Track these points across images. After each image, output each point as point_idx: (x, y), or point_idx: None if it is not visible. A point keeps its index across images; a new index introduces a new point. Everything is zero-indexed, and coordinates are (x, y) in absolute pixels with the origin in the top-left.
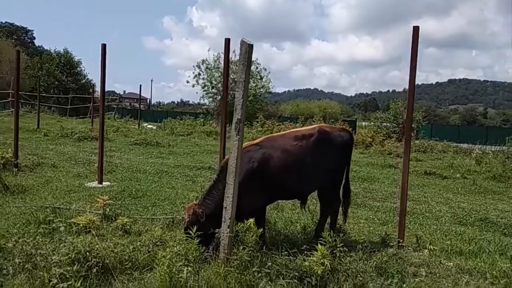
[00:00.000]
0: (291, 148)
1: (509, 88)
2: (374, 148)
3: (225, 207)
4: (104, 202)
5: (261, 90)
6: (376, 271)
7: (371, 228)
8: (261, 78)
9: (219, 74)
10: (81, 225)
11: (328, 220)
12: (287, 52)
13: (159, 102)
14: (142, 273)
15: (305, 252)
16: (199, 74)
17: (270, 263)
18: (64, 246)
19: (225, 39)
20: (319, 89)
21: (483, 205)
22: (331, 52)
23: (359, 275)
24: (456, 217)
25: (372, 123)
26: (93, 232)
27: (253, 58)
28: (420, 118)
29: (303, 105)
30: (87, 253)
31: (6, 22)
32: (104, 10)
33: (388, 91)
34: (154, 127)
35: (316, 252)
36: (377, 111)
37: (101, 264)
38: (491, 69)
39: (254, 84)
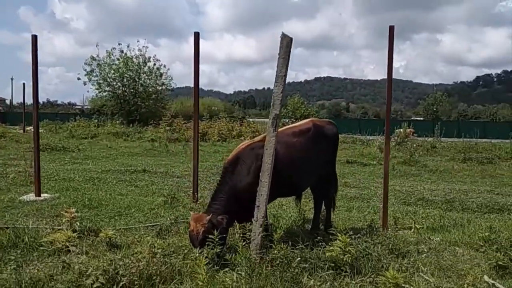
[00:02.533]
0: (293, 144)
1: (364, 85)
2: None
3: (258, 206)
4: (72, 215)
5: (162, 87)
6: (390, 253)
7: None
8: (161, 75)
9: (114, 71)
10: (59, 244)
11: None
12: (163, 49)
13: (20, 103)
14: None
15: (320, 244)
16: (92, 71)
17: (299, 258)
18: (73, 267)
19: (194, 32)
20: (199, 87)
21: (413, 186)
22: (209, 50)
23: (381, 259)
24: (399, 199)
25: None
26: (77, 250)
27: (150, 55)
28: (315, 113)
29: (188, 103)
30: (116, 273)
31: None
32: None
33: (264, 88)
34: (41, 130)
35: (336, 242)
36: (256, 107)
37: (135, 284)
38: (349, 68)
39: (152, 81)
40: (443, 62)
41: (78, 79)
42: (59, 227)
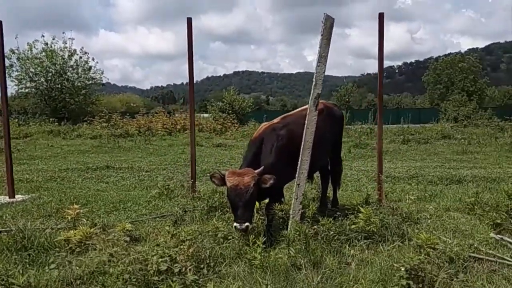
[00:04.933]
0: None
1: (281, 78)
2: (231, 133)
3: (298, 184)
4: (76, 212)
5: (92, 82)
6: (404, 221)
7: None
8: (90, 69)
9: (37, 66)
10: (75, 241)
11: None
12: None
13: None
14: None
15: (340, 219)
16: (11, 65)
17: (333, 232)
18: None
19: (187, 18)
20: (112, 83)
21: (375, 166)
22: (122, 43)
23: (399, 226)
24: (370, 177)
25: (211, 114)
26: (99, 246)
27: (76, 47)
28: (251, 104)
29: (104, 99)
30: (175, 259)
31: None
32: None
33: (182, 83)
34: None
35: (359, 215)
36: (176, 102)
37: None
38: (266, 62)
39: (77, 76)
40: (351, 55)
41: None
42: (58, 226)
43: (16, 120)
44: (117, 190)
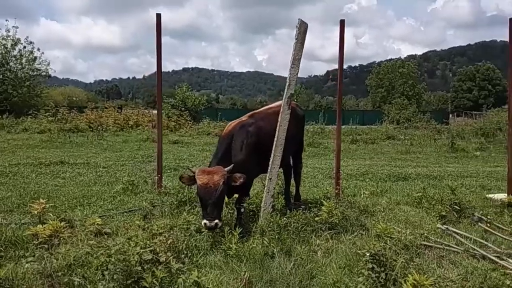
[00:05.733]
0: (276, 122)
1: (231, 77)
2: (186, 130)
3: (270, 178)
4: (43, 207)
5: (37, 73)
6: (361, 214)
7: None
8: (35, 59)
9: None
10: (45, 236)
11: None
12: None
13: None
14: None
15: (304, 212)
16: None
17: (299, 223)
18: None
19: (157, 14)
20: (53, 75)
21: (328, 164)
22: (64, 34)
23: (358, 218)
24: (325, 174)
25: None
26: (72, 240)
27: (19, 36)
28: (205, 102)
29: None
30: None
31: None
32: None
33: (129, 78)
34: None
35: (322, 207)
36: (122, 97)
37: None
38: (217, 59)
39: (20, 67)
40: None
41: None
42: (23, 221)
43: None
44: (76, 186)
